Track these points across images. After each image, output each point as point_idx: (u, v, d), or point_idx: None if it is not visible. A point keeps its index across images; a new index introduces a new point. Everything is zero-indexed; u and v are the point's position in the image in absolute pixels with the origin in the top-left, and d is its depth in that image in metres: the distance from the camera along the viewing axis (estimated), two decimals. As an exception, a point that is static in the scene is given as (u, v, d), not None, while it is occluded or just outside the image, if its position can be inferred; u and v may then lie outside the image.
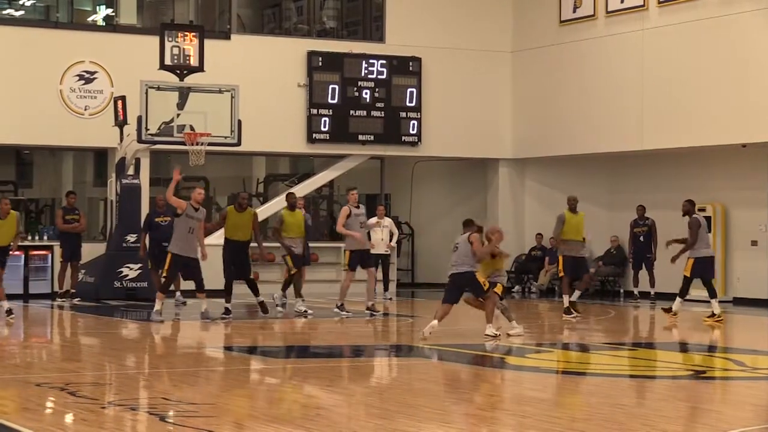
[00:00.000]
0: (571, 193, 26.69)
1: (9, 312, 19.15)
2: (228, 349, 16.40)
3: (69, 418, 10.32)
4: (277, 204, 27.10)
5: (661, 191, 26.03)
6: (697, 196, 25.26)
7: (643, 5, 25.11)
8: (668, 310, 20.48)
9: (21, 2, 26.35)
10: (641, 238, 25.15)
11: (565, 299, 20.67)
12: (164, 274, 19.16)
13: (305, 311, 20.38)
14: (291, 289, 23.82)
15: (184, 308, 21.43)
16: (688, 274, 20.11)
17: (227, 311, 19.49)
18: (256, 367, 14.47)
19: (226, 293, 19.75)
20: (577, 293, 20.85)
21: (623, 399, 11.81)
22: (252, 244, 20.12)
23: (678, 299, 20.34)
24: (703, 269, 20.08)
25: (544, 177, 28.34)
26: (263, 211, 27.48)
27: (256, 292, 20.07)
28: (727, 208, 25.19)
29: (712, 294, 20.16)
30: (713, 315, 19.90)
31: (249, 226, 19.68)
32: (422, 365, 14.63)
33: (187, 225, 18.55)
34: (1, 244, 19.34)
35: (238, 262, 19.68)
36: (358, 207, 20.57)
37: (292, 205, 20.76)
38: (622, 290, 26.70)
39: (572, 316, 20.33)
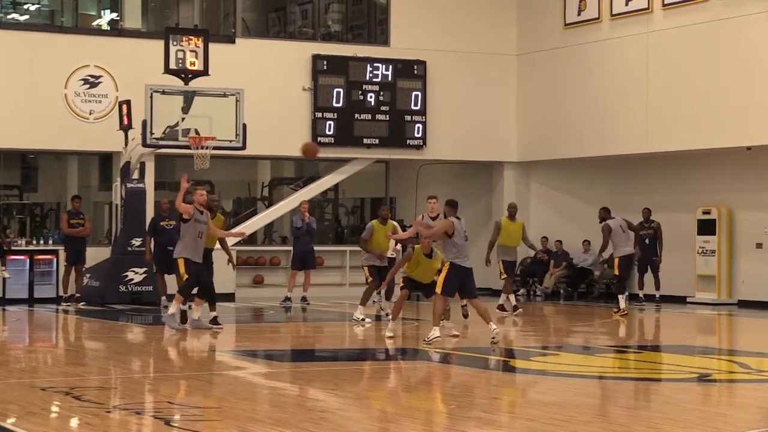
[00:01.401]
0: (578, 195, 26.83)
1: None
2: (233, 352, 16.40)
3: (74, 422, 10.34)
4: (281, 208, 27.14)
5: (667, 194, 26.02)
6: (703, 198, 25.35)
7: (648, 8, 25.10)
8: (618, 311, 21.63)
9: (26, 7, 26.38)
10: (647, 241, 25.14)
11: (503, 297, 21.80)
12: (184, 278, 17.86)
13: (363, 319, 19.76)
14: (285, 290, 23.86)
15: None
16: (617, 272, 21.99)
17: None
18: (260, 371, 14.47)
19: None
20: (512, 296, 21.84)
21: (628, 402, 11.81)
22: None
23: (621, 297, 21.75)
24: (627, 266, 22.14)
25: (549, 180, 28.34)
26: (268, 215, 27.52)
27: (213, 304, 18.47)
28: (732, 211, 25.17)
29: (622, 290, 21.94)
30: (620, 310, 21.64)
31: (214, 235, 18.53)
32: (427, 368, 14.63)
33: (196, 230, 17.96)
34: None
35: (205, 270, 18.31)
36: (435, 218, 18.84)
37: (384, 218, 20.41)
38: (627, 293, 26.61)
39: (509, 313, 21.34)
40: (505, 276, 21.77)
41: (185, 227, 17.93)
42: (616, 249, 21.83)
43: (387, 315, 20.03)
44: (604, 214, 22.23)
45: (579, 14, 26.68)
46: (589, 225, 26.93)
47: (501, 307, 21.75)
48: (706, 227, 25.20)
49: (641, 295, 25.18)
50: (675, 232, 25.24)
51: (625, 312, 21.64)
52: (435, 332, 16.18)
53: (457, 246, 16.28)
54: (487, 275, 23.90)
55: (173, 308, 17.78)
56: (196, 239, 17.76)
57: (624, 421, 10.40)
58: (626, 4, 25.60)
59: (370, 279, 20.03)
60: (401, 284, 17.45)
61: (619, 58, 25.77)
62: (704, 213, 25.30)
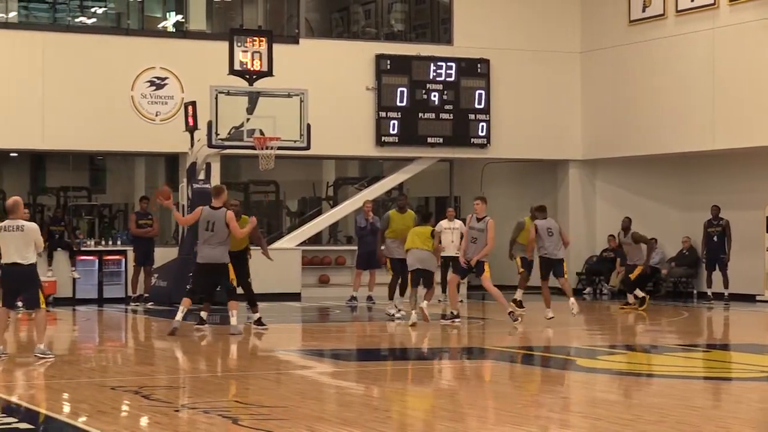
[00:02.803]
0: (644, 193, 26.70)
1: None
2: (299, 352, 16.46)
3: (144, 421, 10.44)
4: (346, 207, 27.20)
5: (734, 191, 25.74)
6: (771, 195, 25.06)
7: (714, 3, 24.86)
8: (636, 303, 22.54)
9: (93, 10, 26.65)
10: (715, 239, 24.93)
11: (519, 293, 21.41)
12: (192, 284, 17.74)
13: (394, 314, 19.94)
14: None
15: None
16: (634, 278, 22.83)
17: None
18: (327, 370, 14.52)
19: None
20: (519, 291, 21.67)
21: (697, 401, 11.71)
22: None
23: (634, 294, 22.70)
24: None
25: (615, 178, 28.15)
26: (333, 215, 27.58)
27: (254, 305, 18.40)
28: (801, 208, 24.88)
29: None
30: (631, 304, 22.69)
31: (245, 236, 18.13)
32: (493, 367, 14.60)
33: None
34: None
35: (237, 272, 18.20)
36: (481, 219, 19.11)
37: (401, 206, 20.53)
38: (695, 291, 26.44)
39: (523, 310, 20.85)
40: (522, 270, 21.61)
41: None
42: (641, 258, 22.79)
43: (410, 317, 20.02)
44: (629, 222, 23.00)
45: (644, 11, 26.48)
46: (656, 223, 26.75)
47: (518, 303, 21.03)
48: (775, 225, 24.92)
49: (710, 294, 24.95)
50: (744, 230, 24.97)
51: (634, 305, 22.56)
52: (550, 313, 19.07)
53: (542, 240, 19.79)
54: (506, 272, 24.02)
55: (234, 319, 17.53)
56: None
57: (693, 420, 10.32)
58: (692, 0, 25.36)
59: (391, 272, 20.21)
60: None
61: (685, 55, 25.54)
62: (773, 211, 25.02)
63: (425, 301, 19.01)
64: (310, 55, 26.06)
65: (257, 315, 18.27)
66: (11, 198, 14.67)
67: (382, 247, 20.51)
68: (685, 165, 27.15)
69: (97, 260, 24.49)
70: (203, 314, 18.16)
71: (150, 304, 23.16)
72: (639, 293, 22.58)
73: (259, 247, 19.24)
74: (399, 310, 19.98)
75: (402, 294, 20.24)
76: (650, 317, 21.46)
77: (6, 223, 14.39)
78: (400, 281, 20.09)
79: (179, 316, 17.41)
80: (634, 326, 20.16)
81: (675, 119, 25.69)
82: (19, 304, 15.77)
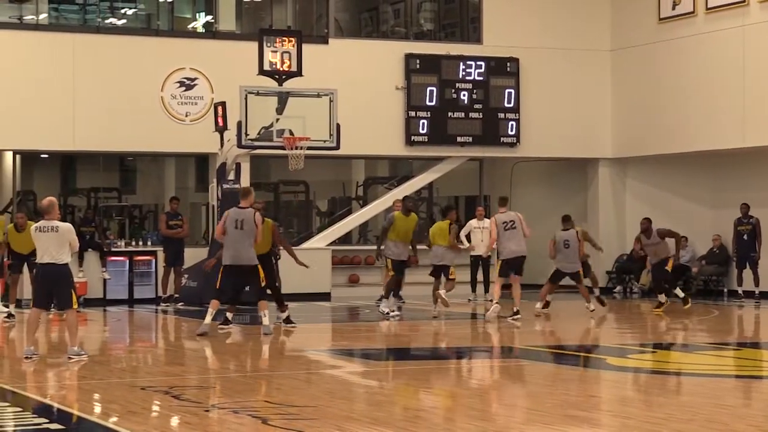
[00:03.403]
0: (675, 191, 26.55)
1: (10, 316, 20.29)
2: (329, 351, 16.49)
3: (174, 421, 10.48)
4: (376, 207, 27.22)
5: (765, 189, 25.60)
6: (802, 193, 24.89)
7: (744, 1, 24.74)
8: (681, 297, 22.01)
9: (123, 11, 26.78)
10: (745, 237, 24.82)
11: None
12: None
13: (388, 313, 20.20)
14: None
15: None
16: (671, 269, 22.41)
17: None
18: (356, 370, 14.53)
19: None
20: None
21: (727, 399, 11.66)
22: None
23: (664, 296, 22.06)
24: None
25: (645, 176, 28.05)
26: (363, 214, 27.60)
27: (281, 304, 18.78)
28: (833, 205, 24.73)
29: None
30: (662, 305, 22.02)
31: (267, 239, 18.40)
32: (522, 367, 14.58)
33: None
34: (22, 253, 19.88)
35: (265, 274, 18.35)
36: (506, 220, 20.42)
37: (408, 209, 20.69)
38: (725, 289, 26.32)
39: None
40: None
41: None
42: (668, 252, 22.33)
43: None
44: (648, 224, 22.37)
45: (673, 8, 26.39)
46: (687, 221, 26.64)
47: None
48: (806, 222, 24.77)
49: (740, 292, 24.84)
50: (774, 227, 24.86)
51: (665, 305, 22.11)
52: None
53: (559, 251, 20.86)
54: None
55: (267, 320, 17.61)
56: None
57: (724, 419, 10.28)
58: (722, -2, 25.27)
59: (391, 272, 20.42)
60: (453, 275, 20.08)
61: (715, 53, 25.42)
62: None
63: (443, 290, 19.97)
64: (340, 54, 26.10)
65: (286, 314, 18.42)
66: (46, 199, 14.77)
67: (382, 247, 20.58)
68: (715, 163, 27.02)
69: (127, 261, 24.61)
70: (229, 315, 18.24)
71: (180, 304, 23.23)
72: (680, 293, 22.18)
73: (287, 252, 19.44)
74: (393, 310, 20.31)
75: (396, 295, 20.75)
76: (681, 316, 21.38)
77: (41, 223, 14.49)
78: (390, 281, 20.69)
79: (208, 319, 17.48)
80: (664, 325, 20.08)
81: (705, 117, 25.59)
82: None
